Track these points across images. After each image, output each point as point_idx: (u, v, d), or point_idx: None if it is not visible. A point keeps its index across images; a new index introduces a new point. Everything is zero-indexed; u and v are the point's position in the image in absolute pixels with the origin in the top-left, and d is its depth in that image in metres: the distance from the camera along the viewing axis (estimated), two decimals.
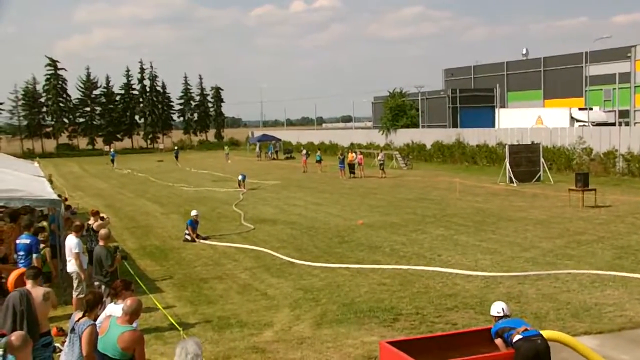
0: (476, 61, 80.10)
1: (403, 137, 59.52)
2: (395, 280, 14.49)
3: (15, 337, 6.07)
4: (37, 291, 8.28)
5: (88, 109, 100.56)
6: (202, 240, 20.26)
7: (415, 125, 65.93)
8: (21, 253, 12.57)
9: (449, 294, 13.17)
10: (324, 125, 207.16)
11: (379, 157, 43.00)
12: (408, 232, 20.62)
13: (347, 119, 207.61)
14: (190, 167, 56.65)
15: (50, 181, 26.48)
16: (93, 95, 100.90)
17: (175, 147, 71.33)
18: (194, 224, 20.65)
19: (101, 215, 16.27)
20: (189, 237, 20.34)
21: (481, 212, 24.40)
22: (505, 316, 8.37)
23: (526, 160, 34.48)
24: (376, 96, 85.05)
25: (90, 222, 15.30)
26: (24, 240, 12.66)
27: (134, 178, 47.28)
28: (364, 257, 17.18)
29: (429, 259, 16.54)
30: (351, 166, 41.95)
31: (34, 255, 12.46)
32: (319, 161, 47.88)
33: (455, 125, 66.69)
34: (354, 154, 44.04)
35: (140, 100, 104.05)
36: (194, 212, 21.02)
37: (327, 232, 21.14)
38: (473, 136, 49.74)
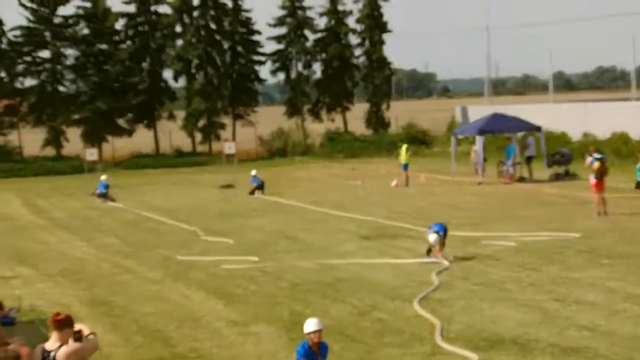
0: None
1: None
2: None
3: None
4: None
5: (46, 54, 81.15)
6: None
7: None
8: None
9: None
10: None
11: None
12: None
13: None
14: (306, 200, 49.71)
15: None
16: (59, 19, 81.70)
17: (253, 173, 55.24)
18: (311, 352, 16.75)
19: (76, 329, 14.06)
20: None
21: None
22: None
23: None
24: None
25: (48, 345, 13.89)
26: None
27: (164, 231, 41.34)
28: None
29: None
30: None
31: None
32: None
33: None
34: None
35: (180, 31, 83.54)
36: (310, 325, 16.52)
37: None
38: None
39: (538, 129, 56.47)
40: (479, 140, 55.18)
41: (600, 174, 38.75)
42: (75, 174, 66.31)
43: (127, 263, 32.55)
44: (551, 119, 66.56)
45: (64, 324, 13.17)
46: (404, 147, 55.63)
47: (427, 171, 60.84)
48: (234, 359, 19.52)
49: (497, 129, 57.02)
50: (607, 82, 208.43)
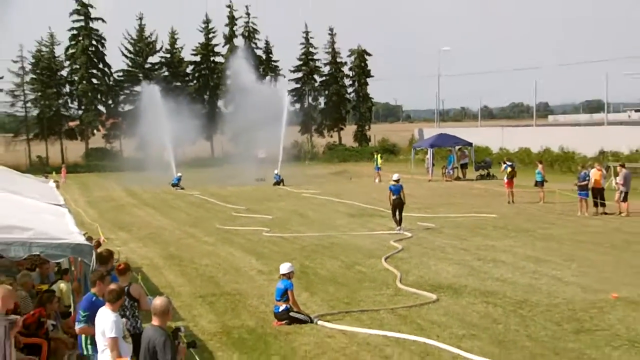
0: None
1: None
2: None
3: None
4: None
5: (139, 88, 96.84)
6: (320, 322, 19.91)
7: None
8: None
9: None
10: (550, 118, 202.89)
11: (617, 180, 40.33)
12: None
13: (595, 107, 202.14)
14: (313, 191, 57.50)
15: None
16: (148, 65, 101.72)
17: (276, 172, 67.57)
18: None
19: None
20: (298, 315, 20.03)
21: None
22: None
23: None
24: None
25: (121, 284, 15.11)
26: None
27: (217, 209, 47.34)
28: None
29: None
30: (596, 192, 40.04)
31: None
32: (541, 183, 46.82)
33: None
34: (602, 171, 41.48)
35: (229, 74, 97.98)
36: (285, 267, 20.63)
37: (553, 311, 20.49)
38: None
39: (470, 144, 70.84)
40: (430, 151, 69.92)
41: (511, 176, 46.95)
42: (158, 169, 74.74)
43: (191, 230, 39.18)
44: (479, 137, 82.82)
45: (125, 270, 15.87)
46: (378, 155, 69.92)
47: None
48: (261, 296, 23.17)
49: (442, 143, 71.60)
50: (517, 113, 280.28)
